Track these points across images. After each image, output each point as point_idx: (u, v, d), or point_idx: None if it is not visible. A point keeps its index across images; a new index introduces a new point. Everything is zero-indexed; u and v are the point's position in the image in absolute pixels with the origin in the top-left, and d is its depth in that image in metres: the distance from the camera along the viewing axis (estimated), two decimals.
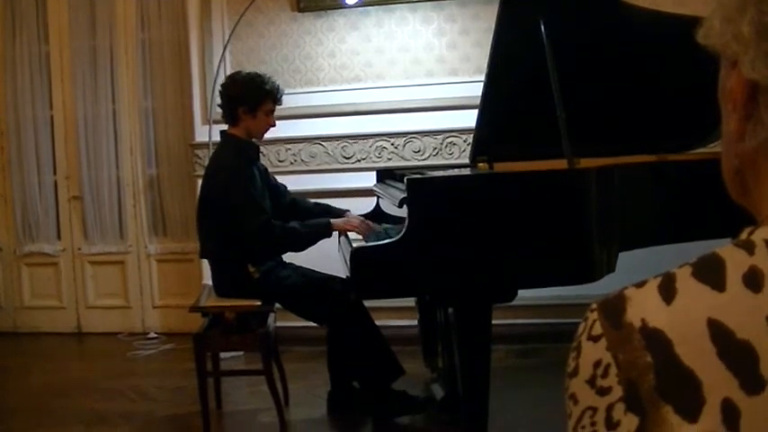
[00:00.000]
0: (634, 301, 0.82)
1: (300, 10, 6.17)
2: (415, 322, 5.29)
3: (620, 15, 3.98)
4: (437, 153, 6.05)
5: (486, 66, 4.02)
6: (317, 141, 6.22)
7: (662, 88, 4.15)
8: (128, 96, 6.80)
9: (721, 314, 0.77)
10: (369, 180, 5.38)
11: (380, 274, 3.58)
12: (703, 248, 0.84)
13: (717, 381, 0.75)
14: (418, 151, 6.08)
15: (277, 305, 4.60)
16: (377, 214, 4.81)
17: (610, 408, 0.80)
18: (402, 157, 6.09)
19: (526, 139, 4.14)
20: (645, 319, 0.79)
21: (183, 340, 5.73)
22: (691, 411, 0.75)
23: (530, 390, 4.86)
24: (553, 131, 3.67)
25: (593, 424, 0.81)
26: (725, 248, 0.82)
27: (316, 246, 4.49)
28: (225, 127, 4.67)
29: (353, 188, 5.74)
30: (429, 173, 4.39)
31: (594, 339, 0.82)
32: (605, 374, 0.80)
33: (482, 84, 4.09)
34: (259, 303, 4.42)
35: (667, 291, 0.80)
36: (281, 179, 4.99)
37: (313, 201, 5.01)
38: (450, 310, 3.87)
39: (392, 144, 6.12)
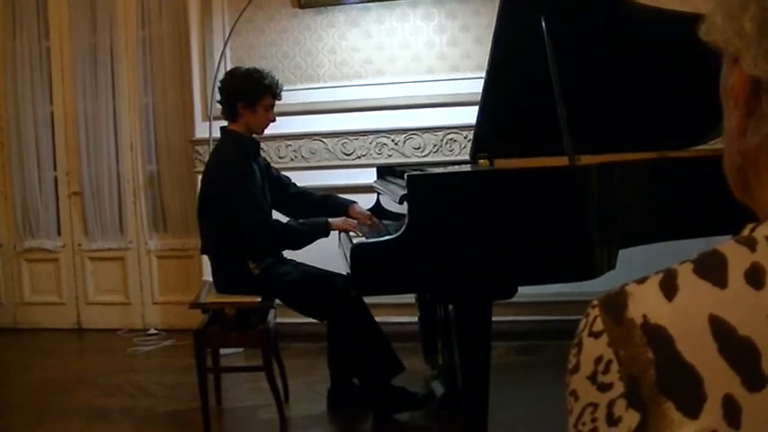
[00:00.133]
0: (635, 297, 0.82)
1: (301, 6, 6.17)
2: (416, 319, 5.29)
3: (621, 12, 3.98)
4: (437, 150, 6.05)
5: (486, 62, 4.01)
6: (317, 138, 6.22)
7: (663, 85, 4.14)
8: (128, 92, 6.80)
9: (723, 311, 0.77)
10: (369, 176, 5.38)
11: (381, 271, 3.57)
12: (704, 245, 0.83)
13: (718, 377, 0.75)
14: (418, 148, 6.08)
15: (277, 301, 4.60)
16: (377, 211, 4.80)
17: (611, 404, 0.80)
18: (402, 154, 6.09)
19: (527, 136, 4.14)
20: (646, 316, 0.79)
21: (183, 336, 5.74)
22: (692, 407, 0.75)
23: (530, 387, 4.86)
24: (553, 128, 3.67)
25: (593, 420, 0.81)
26: (726, 245, 0.82)
27: (316, 242, 4.49)
28: (225, 123, 4.66)
29: (354, 185, 5.74)
30: (429, 169, 4.39)
31: (596, 335, 0.82)
32: (606, 371, 0.80)
33: (483, 80, 4.09)
34: (259, 300, 4.42)
35: (669, 287, 0.80)
36: None
37: (321, 193, 5.00)
38: (451, 306, 3.87)
39: (392, 140, 6.12)
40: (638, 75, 4.13)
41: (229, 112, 4.58)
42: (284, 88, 4.70)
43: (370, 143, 6.15)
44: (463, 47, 6.04)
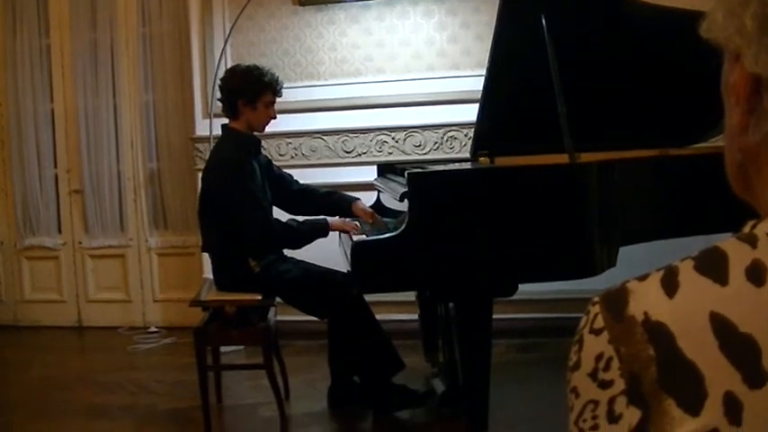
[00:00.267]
0: (636, 294, 0.82)
1: (301, 3, 6.16)
2: (416, 316, 5.29)
3: (622, 10, 3.98)
4: (438, 147, 6.05)
5: (487, 60, 4.01)
6: (317, 135, 6.22)
7: (664, 83, 4.15)
8: (128, 90, 6.80)
9: (724, 308, 0.77)
10: (369, 174, 5.38)
11: (381, 268, 3.58)
12: (705, 243, 0.83)
13: (719, 374, 0.75)
14: (419, 145, 6.08)
15: (278, 299, 4.60)
16: (377, 208, 4.80)
17: (611, 401, 0.80)
18: (403, 152, 6.09)
19: (527, 134, 4.14)
20: (647, 313, 0.79)
21: (184, 334, 5.74)
22: (693, 405, 0.75)
23: (530, 384, 4.87)
24: (554, 126, 3.67)
25: (594, 417, 0.81)
26: (727, 242, 0.82)
27: (316, 240, 4.49)
28: (226, 121, 4.66)
29: (354, 182, 5.74)
30: (430, 167, 4.39)
31: (596, 332, 0.82)
32: (607, 368, 0.80)
33: (483, 78, 4.09)
34: (259, 297, 4.42)
35: (669, 284, 0.80)
36: None
37: (324, 190, 5.00)
38: (451, 304, 3.88)
39: (393, 138, 6.11)
40: (639, 72, 4.13)
41: (230, 109, 4.57)
42: (285, 86, 4.69)
43: (371, 141, 6.14)
44: (463, 44, 6.03)
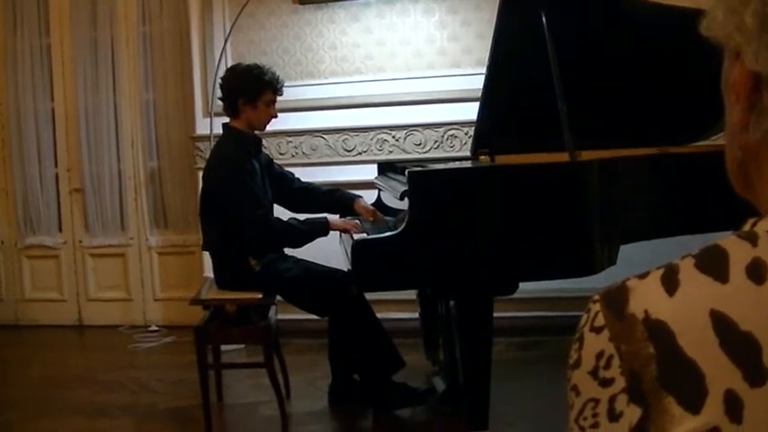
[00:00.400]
0: (637, 292, 0.82)
1: (301, 2, 6.16)
2: (417, 315, 5.30)
3: (622, 8, 3.98)
4: (438, 146, 6.05)
5: (487, 58, 4.01)
6: (317, 134, 6.22)
7: (664, 81, 4.14)
8: (129, 89, 6.80)
9: (724, 305, 0.77)
10: (370, 173, 5.39)
11: (382, 267, 3.58)
12: (705, 241, 0.83)
13: (719, 372, 0.75)
14: (419, 144, 6.08)
15: (278, 298, 4.61)
16: (378, 207, 4.80)
17: (612, 399, 0.80)
18: (403, 150, 6.09)
19: (527, 132, 4.15)
20: (648, 311, 0.79)
21: (184, 333, 5.74)
22: (693, 402, 0.75)
23: (531, 382, 4.87)
24: (554, 124, 3.67)
25: (594, 415, 0.81)
26: (728, 240, 0.82)
27: (314, 241, 4.49)
28: (227, 120, 4.66)
29: (355, 181, 5.73)
30: (430, 166, 4.40)
31: (597, 330, 0.82)
32: (608, 366, 0.80)
33: (483, 76, 4.09)
34: (260, 296, 4.42)
35: (670, 282, 0.80)
36: None
37: (326, 187, 5.00)
38: (452, 302, 3.88)
39: (393, 137, 6.11)
40: (639, 70, 4.13)
41: (230, 108, 4.57)
42: (285, 84, 4.68)
43: (371, 139, 6.14)
44: (464, 42, 6.03)
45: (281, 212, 4.63)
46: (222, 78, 4.69)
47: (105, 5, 6.74)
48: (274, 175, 4.74)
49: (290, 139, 6.22)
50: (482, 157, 4.28)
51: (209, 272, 5.08)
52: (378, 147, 6.13)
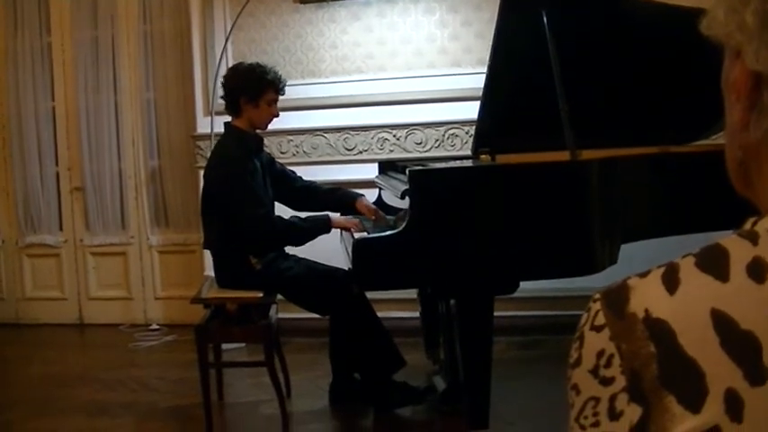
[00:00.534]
0: (637, 290, 0.82)
1: (302, 1, 6.16)
2: (417, 314, 5.30)
3: (623, 7, 3.98)
4: (439, 145, 6.05)
5: (488, 57, 4.01)
6: (318, 133, 6.22)
7: (665, 80, 4.14)
8: (130, 88, 6.80)
9: (725, 304, 0.77)
10: (371, 172, 5.39)
11: (382, 266, 3.58)
12: (706, 240, 0.83)
13: (720, 371, 0.75)
14: (420, 143, 6.08)
15: (279, 297, 4.61)
16: (379, 206, 4.80)
17: (613, 398, 0.80)
18: (404, 149, 6.09)
19: (528, 131, 4.14)
20: (648, 309, 0.79)
21: (185, 331, 5.74)
22: (694, 401, 0.75)
23: (531, 381, 4.87)
24: (555, 123, 3.67)
25: (595, 414, 0.81)
26: (728, 239, 0.82)
27: (316, 239, 4.49)
28: (228, 118, 4.66)
29: (355, 180, 5.73)
30: (431, 164, 4.39)
31: (597, 329, 0.82)
32: (608, 364, 0.80)
33: (484, 75, 4.09)
34: (261, 295, 4.42)
35: (671, 281, 0.80)
36: None
37: (328, 186, 5.00)
38: (452, 301, 3.88)
39: (394, 136, 6.11)
40: (640, 69, 4.13)
41: (232, 107, 4.57)
42: (286, 82, 4.68)
43: (372, 138, 6.14)
44: (465, 41, 6.03)
45: (283, 211, 4.63)
46: (224, 77, 4.68)
47: (106, 5, 6.74)
48: (276, 173, 4.74)
49: (290, 137, 6.22)
50: (483, 157, 4.28)
51: (209, 270, 5.08)
52: (378, 146, 6.13)
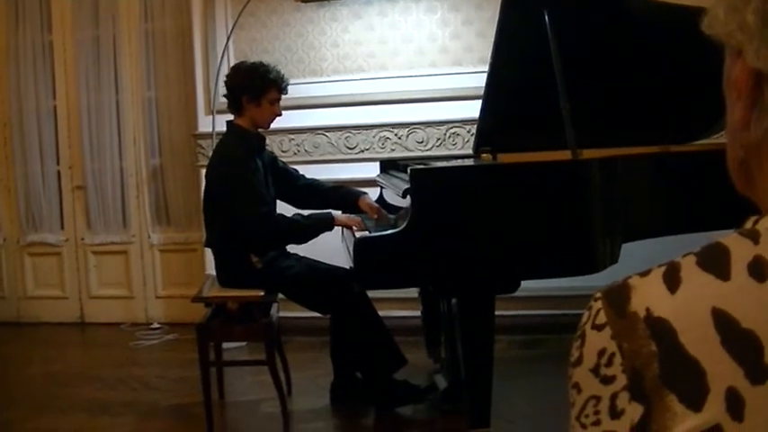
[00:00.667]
0: (639, 289, 0.82)
1: (303, 0, 6.16)
2: (419, 313, 5.30)
3: (624, 6, 3.97)
4: (440, 144, 6.05)
5: (489, 56, 4.01)
6: (320, 132, 6.22)
7: (666, 78, 4.14)
8: (131, 86, 6.80)
9: (726, 303, 0.77)
10: (372, 170, 5.39)
11: (384, 265, 3.58)
12: (707, 239, 0.83)
13: (721, 370, 0.75)
14: (422, 142, 6.08)
15: (280, 295, 4.61)
16: (380, 205, 4.80)
17: (614, 397, 0.80)
18: (405, 148, 6.09)
19: (530, 130, 4.14)
20: (649, 308, 0.80)
21: (186, 330, 5.75)
22: (695, 400, 0.75)
23: (532, 380, 4.86)
24: (556, 122, 3.67)
25: (596, 413, 0.81)
26: (729, 238, 0.82)
27: (319, 236, 4.49)
28: (230, 117, 4.66)
29: (357, 179, 5.73)
30: (432, 163, 4.39)
31: (599, 328, 0.82)
32: (609, 363, 0.81)
33: (486, 74, 4.09)
34: (262, 293, 4.42)
35: (672, 280, 0.80)
36: None
37: (331, 184, 5.00)
38: (454, 300, 3.88)
39: (395, 134, 6.11)
40: (641, 68, 4.12)
41: (234, 106, 4.57)
42: (289, 82, 4.67)
43: (374, 137, 6.14)
44: (466, 40, 6.03)
45: (286, 209, 4.63)
46: (227, 76, 4.68)
47: (107, 3, 6.74)
48: (278, 172, 4.74)
49: (292, 136, 6.22)
50: (484, 155, 4.27)
51: (211, 269, 5.08)
52: (380, 144, 6.13)
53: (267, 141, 4.88)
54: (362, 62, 6.17)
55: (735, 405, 0.74)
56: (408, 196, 3.64)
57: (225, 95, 4.65)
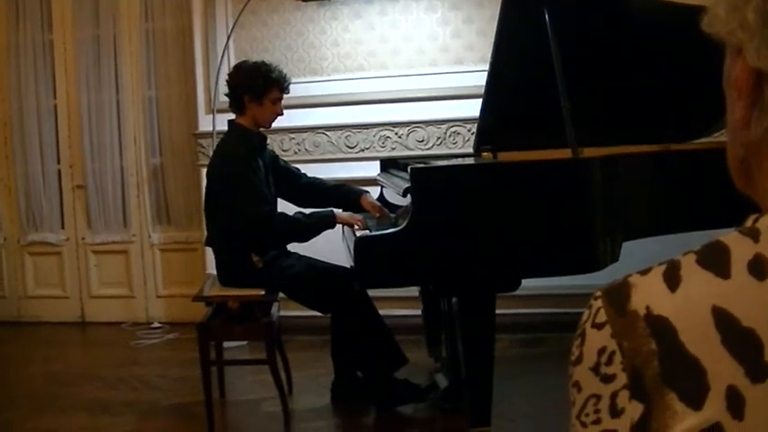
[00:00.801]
0: (639, 288, 0.82)
1: None
2: (419, 312, 5.30)
3: (624, 4, 3.97)
4: (441, 142, 6.05)
5: (490, 55, 4.00)
6: (320, 131, 6.21)
7: (667, 78, 4.14)
8: (131, 86, 6.80)
9: (726, 302, 0.77)
10: (372, 169, 5.39)
11: (384, 264, 3.58)
12: (707, 237, 0.83)
13: (721, 368, 0.75)
14: (422, 141, 6.08)
15: (281, 294, 4.61)
16: (381, 203, 4.80)
17: (614, 395, 0.80)
18: (406, 147, 6.09)
19: (530, 129, 4.14)
20: (649, 307, 0.80)
21: (187, 330, 5.74)
22: (695, 398, 0.75)
23: (533, 379, 4.86)
24: (557, 121, 3.67)
25: (596, 411, 0.81)
26: (730, 236, 0.82)
27: (319, 235, 4.49)
28: (232, 116, 4.66)
29: (357, 177, 5.73)
30: (433, 162, 4.39)
31: (599, 327, 0.82)
32: (610, 362, 0.81)
33: (486, 73, 4.09)
34: (263, 293, 4.42)
35: (672, 278, 0.80)
36: None
37: (332, 183, 5.00)
38: (454, 299, 3.88)
39: (396, 133, 6.11)
40: (642, 67, 4.12)
41: (236, 105, 4.57)
42: (291, 81, 4.67)
43: (374, 136, 6.14)
44: (467, 39, 6.03)
45: (287, 208, 4.63)
46: (229, 75, 4.68)
47: (108, 2, 6.74)
48: (280, 171, 4.74)
49: (292, 135, 6.22)
50: (485, 154, 4.27)
51: (211, 269, 5.08)
52: (380, 143, 6.13)
53: (268, 141, 4.88)
54: (363, 61, 6.17)
55: (735, 403, 0.74)
56: (409, 195, 3.64)
57: (226, 94, 4.65)
